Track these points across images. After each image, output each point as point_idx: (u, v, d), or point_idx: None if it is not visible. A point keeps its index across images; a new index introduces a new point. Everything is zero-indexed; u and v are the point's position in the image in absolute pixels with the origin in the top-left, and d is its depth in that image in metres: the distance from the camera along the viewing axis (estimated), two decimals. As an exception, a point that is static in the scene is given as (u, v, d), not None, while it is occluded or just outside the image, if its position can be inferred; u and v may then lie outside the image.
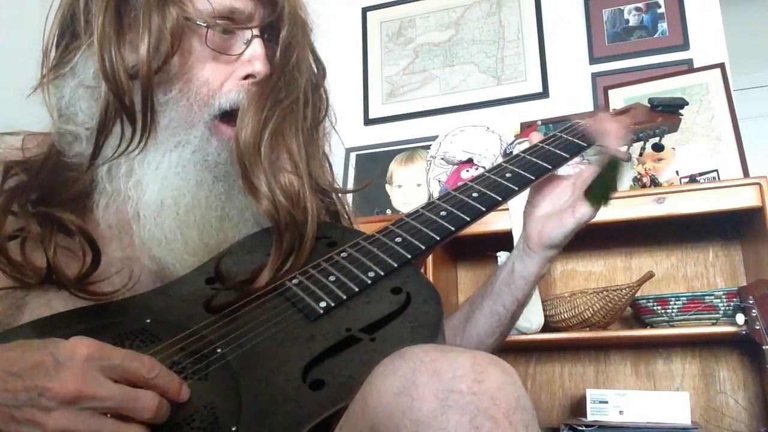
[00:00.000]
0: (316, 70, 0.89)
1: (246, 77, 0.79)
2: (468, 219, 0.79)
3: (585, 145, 0.90)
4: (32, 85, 0.79)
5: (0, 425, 0.50)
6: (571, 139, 0.91)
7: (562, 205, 0.87)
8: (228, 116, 0.79)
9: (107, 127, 0.73)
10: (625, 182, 0.85)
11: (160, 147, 0.76)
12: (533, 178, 0.85)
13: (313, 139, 0.88)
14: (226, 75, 0.79)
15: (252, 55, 0.79)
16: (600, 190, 0.84)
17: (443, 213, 0.79)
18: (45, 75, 0.78)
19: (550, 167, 0.85)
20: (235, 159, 0.77)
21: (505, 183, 0.84)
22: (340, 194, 0.92)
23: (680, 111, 1.04)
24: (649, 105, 1.04)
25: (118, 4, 0.74)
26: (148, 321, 0.68)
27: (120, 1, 0.74)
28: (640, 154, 1.03)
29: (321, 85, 0.90)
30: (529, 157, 0.87)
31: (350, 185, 2.33)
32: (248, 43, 0.79)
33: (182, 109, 0.76)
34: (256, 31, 0.79)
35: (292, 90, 0.81)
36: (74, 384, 0.50)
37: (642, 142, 1.00)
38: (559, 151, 0.88)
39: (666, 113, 1.03)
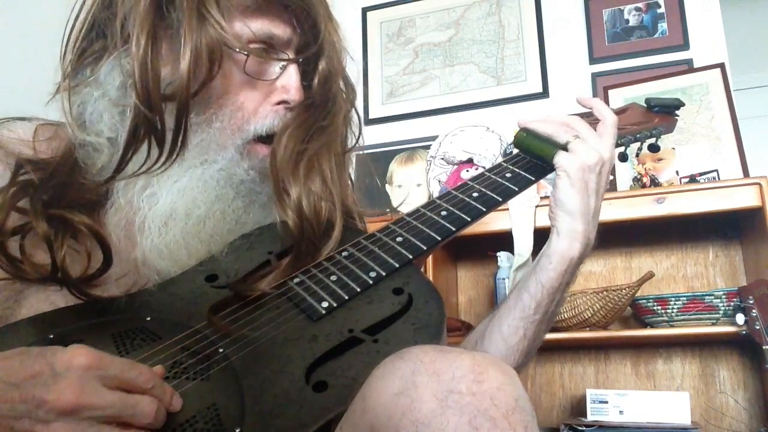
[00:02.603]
0: (346, 94, 0.88)
1: (279, 102, 0.79)
2: (469, 219, 0.79)
3: None
4: (55, 82, 0.77)
5: None
6: None
7: None
8: (263, 139, 0.79)
9: (135, 146, 0.71)
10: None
11: (184, 164, 0.74)
12: (533, 178, 0.85)
13: (343, 163, 0.87)
14: (261, 100, 0.78)
15: (287, 82, 0.78)
16: (540, 149, 0.85)
17: (444, 213, 0.79)
18: (64, 79, 0.77)
19: (547, 167, 0.85)
20: (268, 173, 0.76)
21: (506, 183, 0.83)
22: (363, 217, 0.91)
23: (677, 112, 1.04)
24: (645, 105, 1.04)
25: (156, 21, 0.72)
26: (149, 319, 0.68)
27: (157, 18, 0.72)
28: (637, 155, 1.03)
29: (352, 109, 0.89)
30: (529, 157, 0.87)
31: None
32: (284, 68, 0.78)
33: (215, 132, 0.75)
34: (292, 56, 0.79)
35: (333, 119, 0.81)
36: (72, 395, 0.49)
37: (639, 143, 1.00)
38: None
39: (663, 114, 1.03)
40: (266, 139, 0.79)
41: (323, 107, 0.81)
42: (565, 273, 0.82)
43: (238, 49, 0.74)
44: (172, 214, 0.74)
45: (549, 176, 0.87)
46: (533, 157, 0.86)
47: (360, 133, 0.91)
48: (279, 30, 0.77)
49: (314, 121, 0.79)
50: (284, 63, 0.78)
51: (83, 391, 0.50)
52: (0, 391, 0.50)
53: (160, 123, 0.70)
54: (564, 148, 0.82)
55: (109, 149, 0.75)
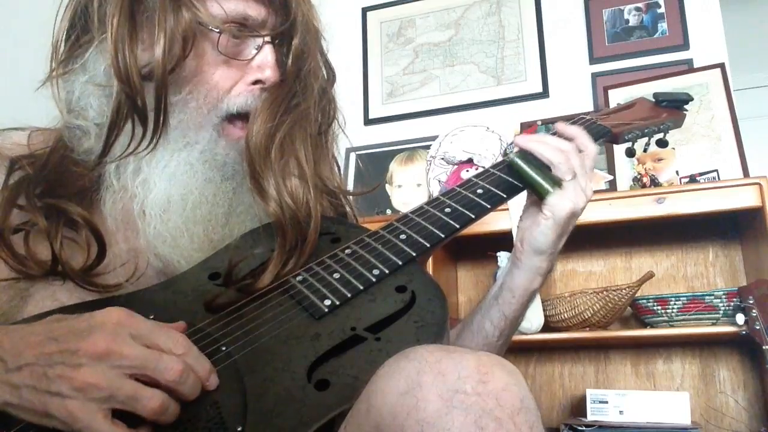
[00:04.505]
0: (326, 76, 0.90)
1: (255, 82, 0.80)
2: (473, 216, 0.78)
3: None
4: (41, 79, 0.79)
5: (33, 382, 0.53)
6: None
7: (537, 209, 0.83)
8: (236, 118, 0.80)
9: (118, 126, 0.74)
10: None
11: (168, 147, 0.76)
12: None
13: (322, 143, 0.88)
14: (236, 79, 0.79)
15: (262, 61, 0.79)
16: (535, 184, 0.80)
17: (448, 210, 0.79)
18: (54, 69, 0.79)
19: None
20: (245, 160, 0.77)
21: (510, 179, 0.83)
22: (348, 196, 0.93)
23: (685, 107, 1.03)
24: (653, 100, 1.03)
25: (132, 4, 0.74)
26: (152, 317, 0.67)
27: (134, 1, 0.74)
28: (644, 150, 1.02)
29: (329, 91, 0.90)
30: (522, 185, 0.86)
31: (350, 185, 2.33)
32: (259, 48, 0.79)
33: (191, 111, 0.77)
34: (267, 38, 0.80)
35: (304, 97, 0.82)
36: (104, 342, 0.53)
37: (646, 138, 0.99)
38: None
39: (671, 108, 1.01)
40: (241, 117, 0.80)
41: (294, 86, 0.81)
42: (526, 303, 0.85)
43: (211, 27, 0.76)
44: (169, 201, 0.75)
45: None
46: (524, 185, 0.83)
47: (334, 112, 0.91)
48: (253, 11, 0.78)
49: (285, 100, 0.80)
50: (260, 44, 0.79)
51: (114, 340, 0.53)
52: (40, 345, 0.54)
53: (141, 101, 0.72)
54: (558, 183, 0.80)
55: (97, 133, 0.76)
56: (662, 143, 1.01)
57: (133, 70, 0.72)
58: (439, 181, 2.12)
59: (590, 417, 1.71)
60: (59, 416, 0.52)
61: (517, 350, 2.02)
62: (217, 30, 0.76)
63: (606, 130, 0.93)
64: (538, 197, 0.81)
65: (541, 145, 0.83)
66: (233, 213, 0.79)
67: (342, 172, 2.33)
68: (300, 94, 0.81)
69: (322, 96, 0.88)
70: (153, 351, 0.55)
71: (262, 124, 0.77)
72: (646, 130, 0.97)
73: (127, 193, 0.76)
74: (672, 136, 1.03)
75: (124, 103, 0.73)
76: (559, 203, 0.79)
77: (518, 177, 0.83)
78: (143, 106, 0.73)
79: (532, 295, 0.85)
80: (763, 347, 1.44)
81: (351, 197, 0.95)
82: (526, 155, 0.83)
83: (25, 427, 0.55)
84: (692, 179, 1.88)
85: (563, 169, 0.81)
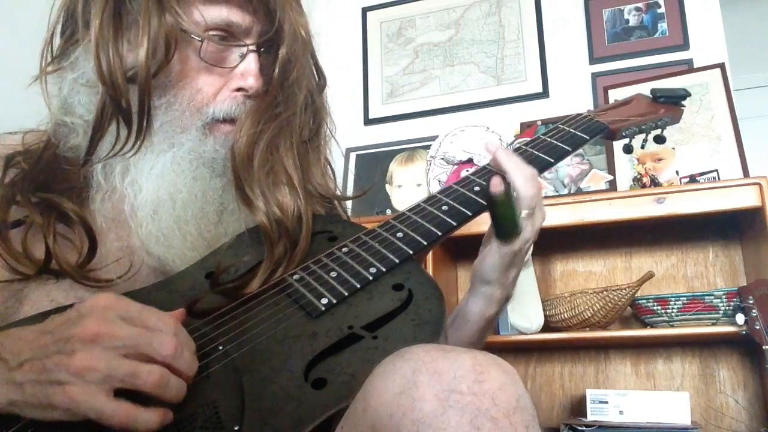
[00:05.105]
0: (317, 80, 0.89)
1: (238, 90, 0.80)
2: (470, 214, 0.78)
3: (587, 137, 0.89)
4: (33, 78, 0.79)
5: (34, 376, 0.53)
6: (572, 131, 0.90)
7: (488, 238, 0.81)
8: (223, 122, 0.80)
9: (103, 127, 0.74)
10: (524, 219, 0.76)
11: (154, 149, 0.76)
12: (537, 171, 0.84)
13: (313, 147, 0.88)
14: (220, 85, 0.79)
15: (245, 69, 0.79)
16: (501, 227, 0.77)
17: (445, 207, 0.79)
18: (45, 66, 0.79)
19: (552, 160, 0.85)
20: (230, 168, 0.77)
21: None
22: (341, 201, 0.92)
23: (683, 102, 1.03)
24: (651, 96, 1.03)
25: (118, 5, 0.74)
26: None
27: (118, 4, 0.74)
28: (642, 147, 1.02)
29: (319, 97, 0.89)
30: (531, 150, 0.86)
31: (350, 185, 2.33)
32: (243, 56, 0.79)
33: (175, 114, 0.77)
34: (252, 46, 0.79)
35: (289, 105, 0.82)
36: (94, 326, 0.54)
37: (644, 134, 1.00)
38: (561, 144, 0.87)
39: (668, 104, 1.02)
40: (228, 121, 0.80)
41: (280, 94, 0.81)
42: (483, 329, 0.84)
43: (193, 36, 0.76)
44: (158, 201, 0.75)
45: (548, 175, 0.86)
46: (495, 220, 0.78)
47: (322, 118, 0.90)
48: (237, 18, 0.78)
49: (269, 109, 0.80)
50: (244, 52, 0.79)
51: (104, 323, 0.54)
52: (36, 339, 0.56)
53: (126, 103, 0.73)
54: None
55: (85, 129, 0.76)
56: (660, 139, 1.01)
57: (117, 72, 0.72)
58: (439, 181, 2.12)
59: (590, 417, 1.71)
60: (62, 404, 0.52)
61: (517, 350, 2.02)
62: (199, 39, 0.76)
63: (603, 127, 0.93)
64: (501, 239, 0.77)
65: (519, 173, 0.78)
66: (226, 211, 0.79)
67: (342, 172, 2.33)
68: (283, 103, 0.81)
69: (310, 103, 0.87)
70: (145, 331, 0.55)
71: (245, 133, 0.77)
72: (643, 126, 0.97)
73: (116, 193, 0.77)
74: (672, 135, 1.03)
75: (108, 105, 0.73)
76: (508, 246, 0.78)
77: (494, 211, 0.77)
78: (128, 107, 0.73)
79: (488, 322, 0.84)
80: (763, 347, 1.44)
81: (334, 188, 0.94)
82: (507, 188, 0.76)
83: (24, 425, 0.55)
84: (692, 179, 1.87)
85: (530, 203, 0.77)
